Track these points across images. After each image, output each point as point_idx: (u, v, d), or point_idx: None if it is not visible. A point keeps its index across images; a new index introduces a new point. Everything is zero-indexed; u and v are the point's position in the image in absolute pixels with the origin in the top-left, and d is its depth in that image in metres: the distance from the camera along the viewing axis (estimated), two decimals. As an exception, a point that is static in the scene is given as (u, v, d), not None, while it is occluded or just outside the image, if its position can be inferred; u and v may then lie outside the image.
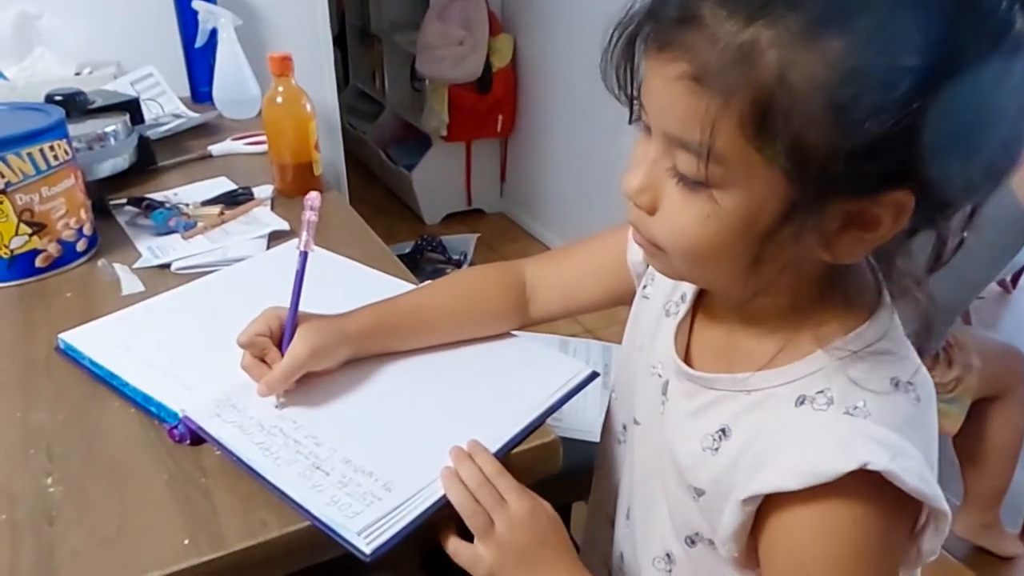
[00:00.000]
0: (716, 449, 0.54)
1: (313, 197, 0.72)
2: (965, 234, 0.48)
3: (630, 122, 0.52)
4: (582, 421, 1.06)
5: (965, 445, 1.51)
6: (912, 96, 0.39)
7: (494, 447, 0.64)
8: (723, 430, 0.54)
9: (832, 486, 0.45)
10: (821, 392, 0.50)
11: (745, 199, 0.45)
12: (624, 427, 0.71)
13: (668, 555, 0.63)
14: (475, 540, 0.60)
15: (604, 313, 0.81)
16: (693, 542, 0.59)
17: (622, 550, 0.71)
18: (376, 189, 3.32)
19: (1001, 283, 2.54)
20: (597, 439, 0.78)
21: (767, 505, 0.49)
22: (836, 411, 0.49)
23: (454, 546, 0.61)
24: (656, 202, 0.49)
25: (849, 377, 0.49)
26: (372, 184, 3.35)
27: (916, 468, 0.46)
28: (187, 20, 1.56)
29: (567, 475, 0.70)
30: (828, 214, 0.44)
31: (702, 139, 0.43)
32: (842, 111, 0.40)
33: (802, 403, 0.50)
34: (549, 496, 0.63)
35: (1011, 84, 0.41)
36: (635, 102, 0.50)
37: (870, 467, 0.44)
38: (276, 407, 0.67)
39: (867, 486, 0.45)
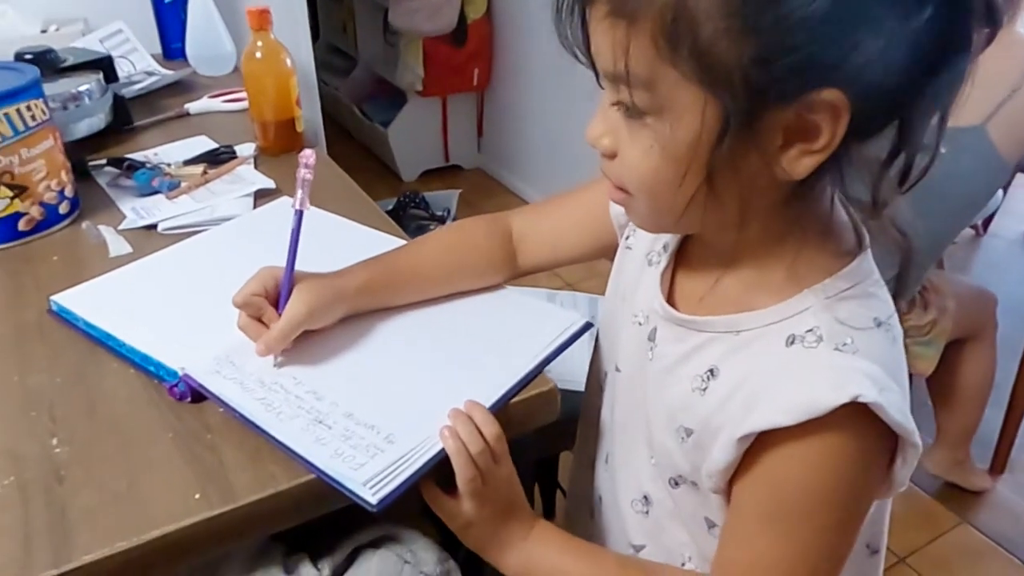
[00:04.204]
0: (704, 389, 0.56)
1: (308, 154, 0.71)
2: (943, 150, 0.48)
3: (598, 84, 0.53)
4: (569, 371, 1.08)
5: (938, 386, 1.56)
6: None
7: (492, 399, 0.65)
8: (711, 370, 0.56)
9: (823, 420, 0.47)
10: (810, 331, 0.51)
11: (679, 122, 0.47)
12: (605, 374, 0.73)
13: (645, 497, 0.66)
14: (461, 495, 0.62)
15: (583, 266, 0.83)
16: (677, 483, 0.61)
17: (601, 493, 0.74)
18: (351, 146, 3.28)
19: (973, 226, 2.59)
20: (583, 388, 0.79)
21: (758, 441, 0.51)
22: (826, 348, 0.50)
23: (439, 500, 0.63)
24: (616, 145, 0.52)
25: (836, 316, 0.51)
26: (347, 141, 3.30)
27: (897, 402, 0.48)
28: (156, -26, 1.52)
29: (555, 424, 0.71)
30: (765, 129, 0.45)
31: (624, 66, 0.46)
32: (740, 15, 0.42)
33: (792, 342, 0.52)
34: (539, 446, 0.65)
35: None
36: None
37: (861, 399, 0.46)
38: (275, 366, 0.68)
39: (855, 418, 0.47)
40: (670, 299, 0.62)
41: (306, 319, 0.67)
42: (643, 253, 0.67)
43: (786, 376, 0.51)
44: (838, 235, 0.55)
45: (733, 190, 0.49)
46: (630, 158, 0.51)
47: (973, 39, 0.44)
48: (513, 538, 0.64)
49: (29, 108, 0.89)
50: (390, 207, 2.41)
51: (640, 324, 0.64)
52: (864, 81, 0.43)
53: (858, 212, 0.55)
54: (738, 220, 0.51)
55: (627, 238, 0.71)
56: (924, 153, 0.48)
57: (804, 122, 0.45)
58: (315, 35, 3.49)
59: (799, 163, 0.47)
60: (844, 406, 0.46)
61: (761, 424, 0.49)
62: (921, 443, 0.50)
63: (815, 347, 0.51)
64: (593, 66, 0.51)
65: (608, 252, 0.76)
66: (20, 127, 0.88)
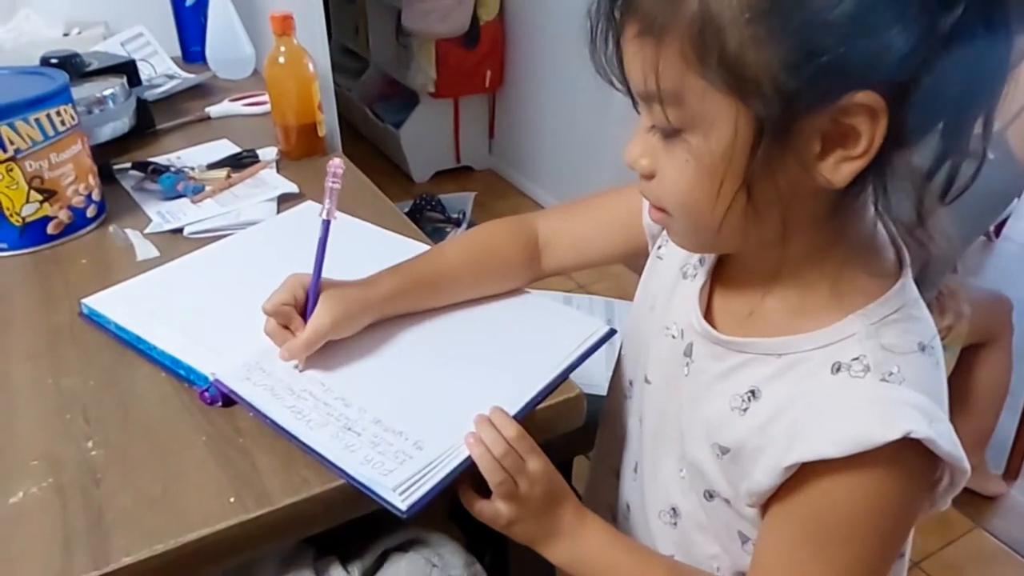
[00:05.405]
0: (745, 410, 0.56)
1: (336, 164, 0.71)
2: (991, 155, 0.47)
3: (636, 110, 0.53)
4: (586, 375, 1.08)
5: (953, 390, 1.53)
6: None
7: (517, 405, 0.65)
8: (752, 391, 0.55)
9: (872, 453, 0.47)
10: (856, 359, 0.50)
11: (712, 133, 0.46)
12: (631, 383, 0.72)
13: (673, 509, 0.65)
14: (496, 498, 0.62)
15: (597, 268, 0.83)
16: (711, 496, 0.61)
17: (628, 502, 0.74)
18: (362, 147, 3.29)
19: (985, 232, 2.58)
20: (599, 393, 0.79)
21: (802, 469, 0.50)
22: (873, 378, 0.49)
23: (479, 506, 0.64)
24: (653, 166, 0.52)
25: (881, 343, 0.50)
26: (359, 142, 3.31)
27: (947, 432, 0.48)
28: (176, -23, 1.53)
29: (571, 429, 0.71)
30: (801, 136, 0.45)
31: (655, 84, 0.46)
32: (766, 21, 0.42)
33: (838, 370, 0.51)
34: (554, 450, 0.65)
35: None
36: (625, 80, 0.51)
37: (913, 435, 0.46)
38: (299, 371, 0.68)
39: (905, 451, 0.47)
40: (707, 315, 0.61)
41: (330, 330, 0.68)
42: (677, 265, 0.66)
43: (833, 406, 0.50)
44: (880, 253, 0.54)
45: (773, 202, 0.48)
46: (667, 175, 0.51)
47: (1014, 38, 0.43)
48: (561, 529, 0.64)
49: (59, 113, 0.90)
50: (406, 210, 2.42)
51: (674, 337, 0.64)
52: (899, 82, 0.42)
53: (897, 227, 0.54)
54: (780, 235, 0.51)
55: (659, 248, 0.71)
56: (969, 161, 0.47)
57: (841, 127, 0.44)
58: (327, 36, 3.51)
59: (839, 170, 0.46)
60: (894, 441, 0.46)
61: (808, 455, 0.49)
62: (970, 468, 0.50)
63: (862, 377, 0.50)
64: (629, 92, 0.51)
65: (633, 258, 0.75)
66: (50, 132, 0.90)
